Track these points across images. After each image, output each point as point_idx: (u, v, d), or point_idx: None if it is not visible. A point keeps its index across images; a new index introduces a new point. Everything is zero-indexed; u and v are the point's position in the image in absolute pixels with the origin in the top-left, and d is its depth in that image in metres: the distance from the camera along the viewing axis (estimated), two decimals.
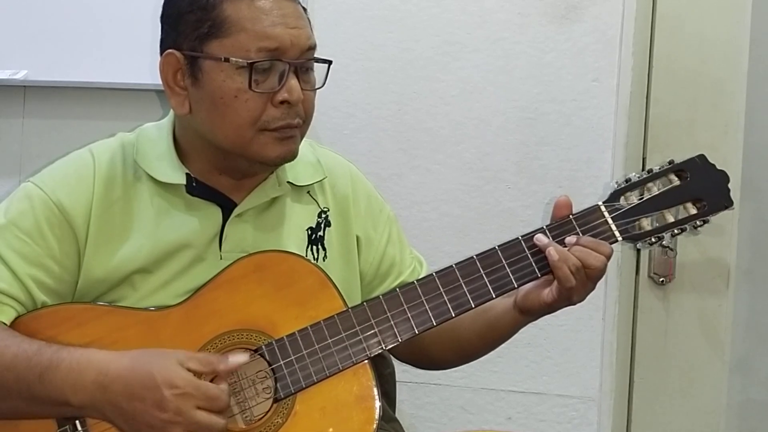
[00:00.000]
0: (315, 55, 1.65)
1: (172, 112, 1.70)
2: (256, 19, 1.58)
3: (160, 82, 1.65)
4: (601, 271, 1.61)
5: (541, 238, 1.62)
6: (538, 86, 2.41)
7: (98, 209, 1.64)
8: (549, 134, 2.42)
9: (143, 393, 1.48)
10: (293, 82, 1.60)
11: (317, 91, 1.68)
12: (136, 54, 2.44)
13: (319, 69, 1.67)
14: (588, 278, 1.61)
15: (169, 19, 1.65)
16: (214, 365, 1.52)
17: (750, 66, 2.42)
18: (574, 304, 1.65)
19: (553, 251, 1.60)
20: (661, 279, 2.45)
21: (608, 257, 1.61)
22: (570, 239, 1.62)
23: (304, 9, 1.66)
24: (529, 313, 1.68)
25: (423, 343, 1.76)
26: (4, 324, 1.59)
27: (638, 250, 2.44)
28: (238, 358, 1.54)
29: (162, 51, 1.65)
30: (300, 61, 1.61)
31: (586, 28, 2.39)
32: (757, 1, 2.42)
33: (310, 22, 1.66)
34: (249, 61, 1.58)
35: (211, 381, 1.52)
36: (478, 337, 1.77)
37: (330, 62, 1.68)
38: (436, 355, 1.82)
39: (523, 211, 2.42)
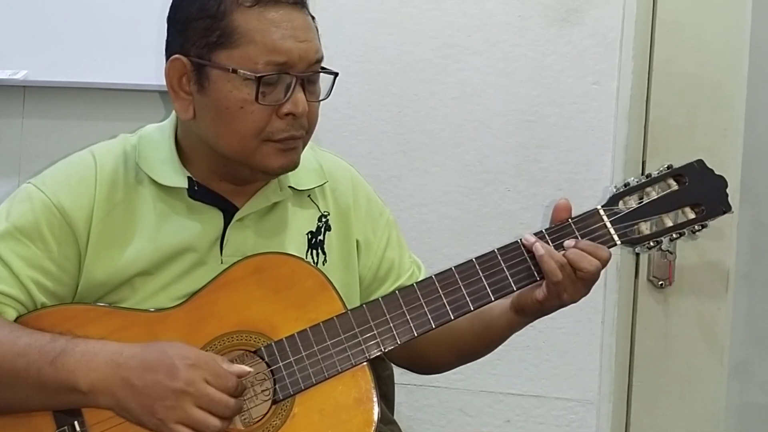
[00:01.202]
0: (321, 65, 1.65)
1: (173, 113, 1.70)
2: (265, 31, 1.58)
3: (162, 83, 1.64)
4: (594, 275, 1.61)
5: (528, 238, 1.63)
6: (537, 89, 2.42)
7: (100, 212, 1.64)
8: (548, 137, 2.42)
9: (156, 365, 1.50)
10: (299, 95, 1.60)
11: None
12: (135, 55, 2.44)
13: (324, 78, 1.67)
14: (580, 280, 1.61)
15: (176, 23, 1.64)
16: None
17: (750, 70, 2.42)
18: (566, 304, 1.65)
19: (539, 246, 1.61)
20: (660, 282, 2.45)
21: (604, 262, 1.61)
22: (568, 243, 1.62)
23: (313, 17, 1.65)
24: (523, 312, 1.68)
25: (420, 344, 1.76)
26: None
27: (637, 254, 2.44)
28: (242, 367, 1.56)
29: (168, 54, 1.64)
30: (307, 74, 1.61)
31: (587, 31, 2.39)
32: (757, 4, 2.42)
33: (318, 31, 1.65)
34: (257, 75, 1.57)
35: None
36: (475, 338, 1.77)
37: (336, 74, 1.67)
38: (433, 356, 1.82)
39: (523, 214, 2.42)
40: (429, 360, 1.83)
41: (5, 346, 1.54)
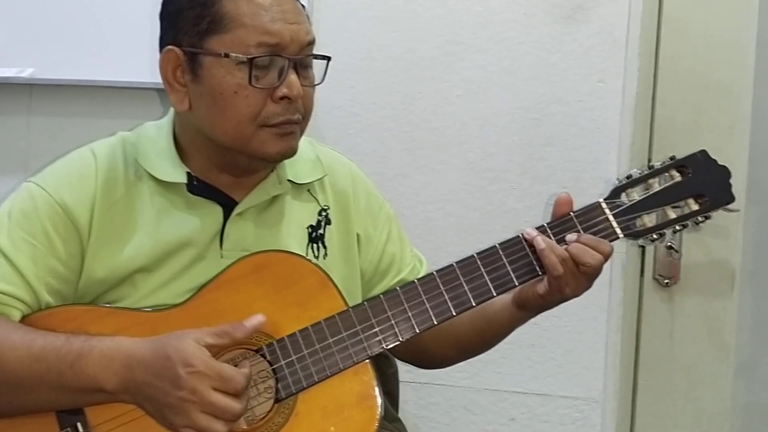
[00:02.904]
0: (315, 52, 1.65)
1: (171, 110, 1.70)
2: (255, 14, 1.58)
3: (160, 80, 1.65)
4: (596, 269, 1.60)
5: (530, 232, 1.62)
6: (543, 87, 2.41)
7: (100, 209, 1.64)
8: (554, 135, 2.41)
9: (161, 373, 1.49)
10: (293, 77, 1.60)
11: (321, 89, 1.68)
12: (141, 52, 2.43)
13: (317, 65, 1.67)
14: (582, 275, 1.60)
15: (168, 15, 1.65)
16: (231, 334, 1.52)
17: (756, 68, 2.42)
18: (568, 298, 1.64)
19: (540, 240, 1.60)
20: (665, 281, 2.44)
21: (606, 256, 1.61)
22: (570, 237, 1.61)
23: (303, 6, 1.66)
24: (525, 307, 1.68)
25: (421, 340, 1.75)
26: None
27: (642, 249, 2.44)
28: (253, 319, 1.53)
29: (161, 48, 1.65)
30: (299, 57, 1.61)
31: (592, 29, 2.39)
32: (764, 2, 2.41)
33: (308, 18, 1.66)
34: (249, 57, 1.58)
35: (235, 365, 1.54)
36: (476, 333, 1.77)
37: (329, 58, 1.68)
38: (435, 351, 1.82)
39: (527, 212, 2.41)
40: (430, 355, 1.83)
41: (22, 351, 1.54)
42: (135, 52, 2.45)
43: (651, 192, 1.64)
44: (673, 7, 2.43)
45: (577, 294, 1.63)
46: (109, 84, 2.54)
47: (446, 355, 1.84)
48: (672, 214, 1.64)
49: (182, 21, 1.62)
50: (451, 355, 1.84)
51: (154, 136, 1.70)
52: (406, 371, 1.95)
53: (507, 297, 1.69)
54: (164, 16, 1.66)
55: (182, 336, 1.52)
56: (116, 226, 1.65)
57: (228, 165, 1.67)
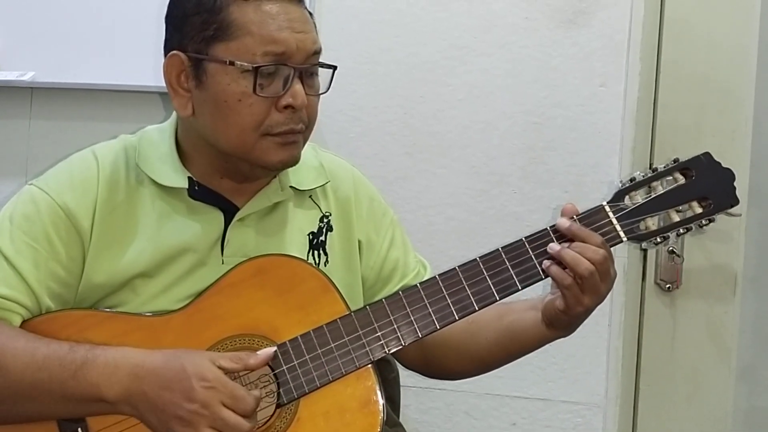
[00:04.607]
0: (320, 60, 1.65)
1: (174, 114, 1.70)
2: (262, 23, 1.58)
3: (164, 84, 1.64)
4: (601, 264, 1.57)
5: (554, 248, 1.59)
6: (544, 91, 2.41)
7: (102, 213, 1.64)
8: (555, 139, 2.41)
9: (173, 384, 1.49)
10: (298, 87, 1.59)
11: (323, 95, 1.68)
12: (143, 56, 2.43)
13: (323, 73, 1.67)
14: (590, 277, 1.57)
15: (174, 20, 1.64)
16: (245, 360, 1.53)
17: (758, 72, 2.42)
18: (592, 307, 1.62)
19: (555, 268, 1.59)
20: (667, 285, 2.44)
21: (600, 246, 1.58)
22: (553, 245, 1.59)
23: (310, 14, 1.65)
24: (553, 325, 1.67)
25: (439, 352, 1.76)
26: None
27: (644, 253, 2.43)
28: (268, 351, 1.55)
29: (166, 52, 1.64)
30: (305, 66, 1.61)
31: (594, 33, 2.39)
32: (765, 5, 2.41)
33: (315, 27, 1.65)
34: (254, 65, 1.57)
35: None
36: (501, 350, 1.75)
37: (335, 68, 1.67)
38: (453, 365, 1.81)
39: (529, 216, 2.41)
40: (447, 368, 1.82)
41: (25, 359, 1.53)
42: (136, 56, 2.45)
43: (654, 195, 1.63)
44: (674, 11, 2.43)
45: (599, 299, 1.61)
46: (110, 87, 2.54)
47: (464, 369, 1.82)
48: (676, 217, 1.63)
49: (188, 26, 1.61)
50: (468, 370, 1.82)
51: (156, 140, 1.70)
52: (407, 376, 1.94)
53: (537, 315, 1.67)
54: (170, 20, 1.65)
55: (197, 353, 1.53)
56: (117, 231, 1.64)
57: (230, 171, 1.66)
